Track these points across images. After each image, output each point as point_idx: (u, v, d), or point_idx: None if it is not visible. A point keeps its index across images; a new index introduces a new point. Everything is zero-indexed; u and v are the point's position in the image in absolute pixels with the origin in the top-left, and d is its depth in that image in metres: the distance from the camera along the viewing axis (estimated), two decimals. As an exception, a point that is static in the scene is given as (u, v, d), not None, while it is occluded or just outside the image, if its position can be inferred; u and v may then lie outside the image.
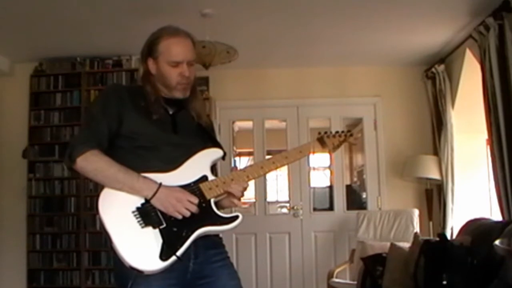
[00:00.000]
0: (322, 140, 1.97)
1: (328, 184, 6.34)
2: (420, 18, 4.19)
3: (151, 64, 1.92)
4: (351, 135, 2.01)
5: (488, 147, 4.24)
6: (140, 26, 4.18)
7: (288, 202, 5.70)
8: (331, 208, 5.71)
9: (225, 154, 1.92)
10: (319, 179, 7.54)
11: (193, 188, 1.79)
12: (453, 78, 4.84)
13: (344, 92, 5.49)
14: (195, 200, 1.75)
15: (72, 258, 4.93)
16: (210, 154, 1.89)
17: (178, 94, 1.92)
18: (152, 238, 1.70)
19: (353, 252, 4.96)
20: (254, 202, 5.62)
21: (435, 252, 3.31)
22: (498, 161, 3.73)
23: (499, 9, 3.66)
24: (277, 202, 7.34)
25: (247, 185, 1.87)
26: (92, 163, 1.77)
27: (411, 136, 5.37)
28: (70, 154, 1.80)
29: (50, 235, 4.98)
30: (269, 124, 5.76)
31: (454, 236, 4.33)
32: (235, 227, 1.81)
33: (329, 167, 6.16)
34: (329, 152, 2.02)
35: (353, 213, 5.29)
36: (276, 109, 5.62)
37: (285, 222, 5.54)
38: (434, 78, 5.05)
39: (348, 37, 4.66)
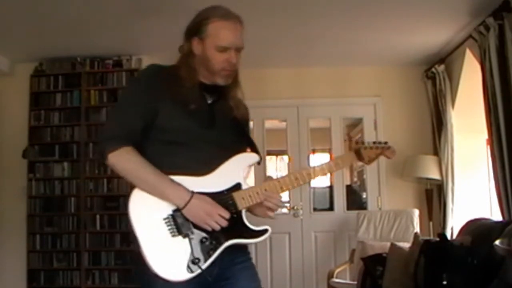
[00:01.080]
0: (359, 152, 1.88)
1: (328, 184, 6.34)
2: (420, 18, 4.19)
3: (196, 44, 1.80)
4: (388, 148, 1.93)
5: (488, 147, 4.23)
6: (140, 26, 4.21)
7: (288, 202, 5.70)
8: (331, 208, 5.72)
9: (261, 159, 1.84)
10: (319, 179, 7.54)
11: (226, 196, 1.73)
12: (453, 78, 4.84)
13: (344, 92, 5.49)
14: (226, 215, 1.69)
15: (72, 258, 4.93)
16: (246, 159, 1.82)
17: (220, 81, 1.82)
18: (181, 248, 1.66)
19: (353, 252, 4.96)
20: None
21: (435, 252, 3.31)
22: (498, 161, 3.72)
23: (499, 9, 3.66)
24: (277, 202, 7.33)
25: (281, 197, 1.80)
26: (124, 162, 1.70)
27: (411, 136, 5.37)
28: (102, 149, 1.71)
29: (50, 235, 4.98)
30: (269, 124, 5.76)
31: (454, 236, 4.33)
32: (263, 240, 1.76)
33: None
34: (366, 164, 1.93)
35: (353, 213, 5.29)
36: (276, 109, 5.62)
37: (285, 222, 5.53)
38: (434, 78, 5.04)
39: (348, 37, 4.66)
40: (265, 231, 1.76)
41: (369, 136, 5.51)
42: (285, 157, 6.03)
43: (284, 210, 5.61)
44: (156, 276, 1.64)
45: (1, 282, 5.06)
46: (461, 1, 3.87)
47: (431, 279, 3.23)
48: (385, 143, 1.93)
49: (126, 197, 1.73)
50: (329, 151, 5.84)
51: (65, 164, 5.03)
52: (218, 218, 1.68)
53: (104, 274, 4.89)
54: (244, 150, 1.87)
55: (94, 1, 3.80)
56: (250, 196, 1.75)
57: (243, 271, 1.81)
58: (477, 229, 3.55)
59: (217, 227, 1.68)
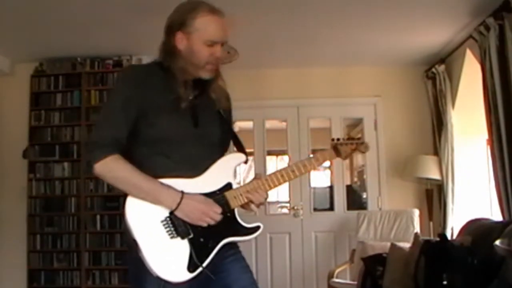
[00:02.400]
0: (336, 148, 1.96)
1: (329, 184, 6.36)
2: (420, 18, 4.19)
3: (179, 38, 1.78)
4: (362, 143, 2.00)
5: (489, 147, 4.23)
6: (141, 26, 4.21)
7: (288, 202, 5.70)
8: (331, 208, 5.72)
9: (247, 157, 1.89)
10: (320, 179, 7.54)
11: (219, 196, 1.77)
12: (453, 78, 4.84)
13: (344, 92, 5.49)
14: (219, 210, 1.74)
15: (73, 258, 4.93)
16: (235, 160, 1.86)
17: (204, 75, 1.81)
18: (181, 249, 1.69)
19: (353, 252, 4.96)
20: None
21: (435, 252, 3.31)
22: (499, 161, 3.72)
23: (499, 9, 3.66)
24: (278, 202, 7.34)
25: (267, 195, 1.86)
26: (112, 171, 1.71)
27: (411, 136, 5.37)
28: (88, 160, 1.73)
29: (50, 235, 4.98)
30: (269, 124, 5.76)
31: (454, 236, 4.33)
32: (256, 236, 1.83)
33: (329, 167, 6.17)
34: (342, 159, 2.02)
35: (354, 213, 5.29)
36: (276, 109, 5.62)
37: (285, 222, 5.54)
38: (434, 78, 5.04)
39: (348, 37, 4.66)
40: (258, 228, 1.83)
41: (369, 136, 5.51)
42: (285, 157, 6.03)
43: (285, 210, 5.61)
44: (158, 279, 1.66)
45: (1, 282, 5.06)
46: (461, 1, 3.87)
47: (431, 279, 3.23)
48: (358, 138, 2.03)
49: (126, 197, 1.73)
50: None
51: (65, 164, 5.03)
52: (212, 214, 1.72)
53: (105, 274, 4.90)
54: (229, 144, 1.94)
55: (94, 1, 3.80)
56: (241, 194, 1.81)
57: (234, 263, 1.86)
58: (477, 229, 3.56)
59: (212, 222, 1.72)
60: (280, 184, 1.87)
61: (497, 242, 2.63)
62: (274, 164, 8.37)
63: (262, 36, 4.58)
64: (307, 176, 5.56)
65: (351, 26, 4.39)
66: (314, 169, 1.94)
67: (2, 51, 4.98)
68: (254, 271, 1.94)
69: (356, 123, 6.30)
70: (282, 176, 1.87)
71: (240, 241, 1.84)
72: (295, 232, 5.50)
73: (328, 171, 7.02)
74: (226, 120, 1.93)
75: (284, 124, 5.73)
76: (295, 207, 5.52)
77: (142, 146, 1.76)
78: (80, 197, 4.98)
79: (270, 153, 6.22)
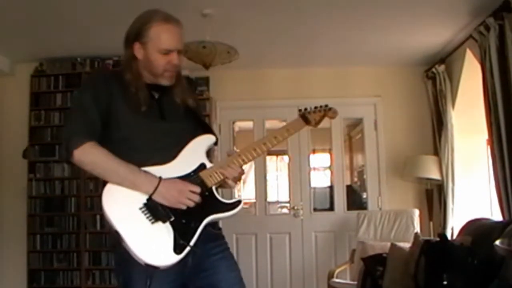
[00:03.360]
0: (305, 117, 2.00)
1: (329, 184, 6.35)
2: (420, 18, 4.19)
3: (137, 48, 1.86)
4: (329, 109, 2.03)
5: (489, 147, 4.23)
6: (141, 26, 4.22)
7: (288, 202, 5.70)
8: (331, 208, 5.71)
9: (217, 139, 1.92)
10: (320, 179, 7.54)
11: (194, 177, 1.79)
12: (453, 78, 4.84)
13: (344, 92, 5.49)
14: (197, 189, 1.76)
15: (73, 258, 4.93)
16: (204, 141, 1.89)
17: (164, 82, 1.88)
18: (164, 233, 1.70)
19: (353, 252, 4.96)
20: (255, 202, 5.62)
21: (435, 252, 3.31)
22: (499, 161, 3.72)
23: (499, 9, 3.66)
24: (278, 202, 7.34)
25: (243, 169, 1.88)
26: (90, 155, 1.74)
27: (411, 136, 5.37)
28: (66, 146, 1.74)
29: (50, 235, 4.98)
30: (269, 124, 5.76)
31: (454, 236, 4.33)
32: (239, 212, 1.83)
33: (329, 167, 6.17)
34: (314, 126, 2.06)
35: (354, 213, 5.29)
36: (276, 109, 5.62)
37: (285, 222, 5.54)
38: (434, 78, 5.04)
39: (348, 37, 4.66)
40: (238, 202, 1.83)
41: (369, 137, 5.52)
42: (285, 157, 6.03)
43: (285, 210, 5.61)
44: (147, 266, 1.66)
45: (1, 282, 5.07)
46: (461, 1, 3.87)
47: (432, 279, 3.23)
48: (326, 105, 2.05)
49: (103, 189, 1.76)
50: (329, 151, 5.85)
51: (65, 164, 5.03)
52: (190, 194, 1.74)
53: (104, 274, 4.90)
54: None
55: (94, 1, 3.80)
56: (216, 173, 1.82)
57: (221, 261, 1.85)
58: (477, 229, 3.56)
59: (191, 204, 1.74)
60: (253, 157, 1.88)
61: (497, 242, 2.63)
62: (274, 164, 8.38)
63: (262, 36, 4.58)
64: (307, 176, 5.57)
65: (351, 26, 4.39)
66: (285, 139, 1.96)
67: (2, 51, 4.98)
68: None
69: (356, 123, 6.30)
70: (254, 149, 1.88)
71: (223, 218, 1.84)
72: (295, 232, 5.50)
73: (328, 171, 7.02)
74: (195, 113, 1.97)
75: (284, 124, 5.71)
76: (295, 207, 5.52)
77: (113, 143, 1.79)
78: (80, 197, 4.98)
79: (270, 153, 6.22)
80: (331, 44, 4.84)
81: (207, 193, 1.79)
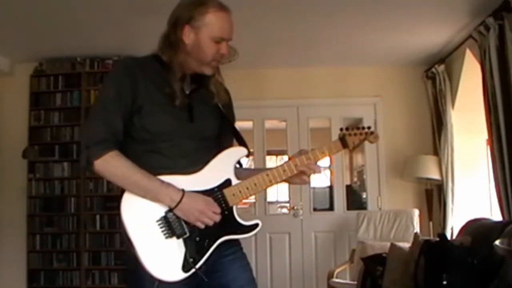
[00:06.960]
0: (344, 139, 1.86)
1: (328, 184, 6.35)
2: (420, 18, 4.19)
3: (187, 32, 1.73)
4: (371, 133, 1.89)
5: (488, 147, 4.23)
6: (140, 26, 4.21)
7: (288, 202, 5.70)
8: (331, 208, 5.72)
9: (249, 151, 1.83)
10: (319, 179, 7.53)
11: (217, 194, 1.73)
12: (453, 78, 4.84)
13: (344, 92, 5.49)
14: (218, 210, 1.70)
15: (72, 258, 4.93)
16: (235, 154, 1.81)
17: (207, 71, 1.79)
18: (176, 249, 1.67)
19: (353, 252, 4.96)
20: (254, 202, 5.62)
21: (435, 252, 3.31)
22: (498, 161, 3.72)
23: (499, 9, 3.66)
24: (277, 202, 7.35)
25: (318, 166, 1.82)
26: (111, 168, 1.67)
27: (411, 136, 5.37)
28: (87, 156, 1.66)
29: (50, 235, 4.98)
30: (269, 124, 5.76)
31: (454, 236, 4.33)
32: (254, 234, 1.77)
33: (329, 167, 6.17)
34: (350, 151, 1.92)
35: (353, 213, 5.29)
36: (276, 109, 5.62)
37: (285, 222, 5.54)
38: (434, 78, 5.04)
39: (348, 37, 4.66)
40: (256, 225, 1.76)
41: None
42: (285, 157, 6.03)
43: (284, 210, 5.61)
44: (153, 278, 1.65)
45: (1, 282, 5.06)
46: (461, 1, 3.87)
47: (431, 279, 3.23)
48: (369, 127, 1.90)
49: (123, 193, 1.73)
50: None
51: (65, 164, 5.03)
52: (211, 214, 1.69)
53: (104, 274, 4.89)
54: (228, 139, 1.89)
55: (94, 1, 3.80)
56: (240, 191, 1.75)
57: (233, 262, 1.81)
58: (477, 229, 3.56)
59: (211, 223, 1.69)
60: (282, 179, 1.80)
61: (497, 242, 2.63)
62: (274, 164, 8.37)
63: (262, 36, 4.58)
64: (307, 176, 5.55)
65: (351, 26, 4.39)
66: (317, 161, 1.83)
67: (2, 51, 4.97)
68: (254, 271, 1.91)
69: (356, 123, 6.30)
70: (284, 171, 1.79)
71: (238, 239, 1.80)
72: (295, 232, 5.50)
73: (328, 171, 7.01)
74: (224, 114, 1.89)
75: (284, 124, 5.73)
76: (295, 207, 5.52)
77: (137, 143, 1.73)
78: (79, 197, 4.98)
79: (270, 153, 6.23)
80: (331, 44, 4.84)
81: (226, 212, 1.73)
